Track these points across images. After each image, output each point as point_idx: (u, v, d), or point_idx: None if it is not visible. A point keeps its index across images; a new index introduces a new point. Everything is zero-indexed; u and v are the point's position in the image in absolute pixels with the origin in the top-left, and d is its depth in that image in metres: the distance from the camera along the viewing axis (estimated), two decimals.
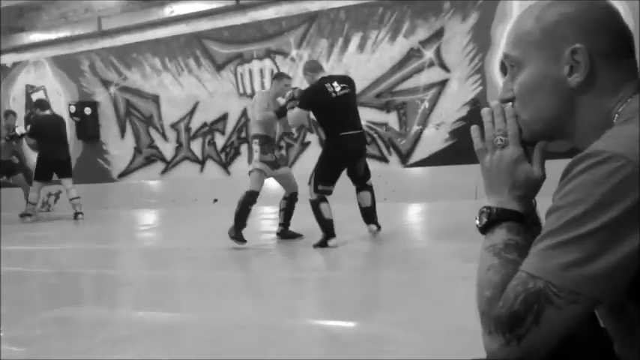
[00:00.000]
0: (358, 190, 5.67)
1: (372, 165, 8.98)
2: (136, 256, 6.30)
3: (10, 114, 10.28)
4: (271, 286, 4.52)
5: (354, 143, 5.56)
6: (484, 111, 1.04)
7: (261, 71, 9.81)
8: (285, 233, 6.02)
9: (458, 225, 5.99)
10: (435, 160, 8.67)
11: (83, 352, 3.05)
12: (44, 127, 9.37)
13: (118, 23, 10.74)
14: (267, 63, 9.75)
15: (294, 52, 9.50)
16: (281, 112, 6.03)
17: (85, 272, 5.58)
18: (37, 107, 9.67)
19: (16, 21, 11.75)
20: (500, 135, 1.01)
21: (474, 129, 1.04)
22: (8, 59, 12.04)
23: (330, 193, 5.55)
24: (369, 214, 5.63)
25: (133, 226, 8.81)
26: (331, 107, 5.49)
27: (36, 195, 9.66)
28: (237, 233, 5.66)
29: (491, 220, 0.99)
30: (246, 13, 9.77)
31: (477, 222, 1.01)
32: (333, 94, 5.51)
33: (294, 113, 5.61)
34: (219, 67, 10.16)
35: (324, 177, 5.53)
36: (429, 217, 7.38)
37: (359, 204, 5.65)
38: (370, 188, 5.67)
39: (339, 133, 5.51)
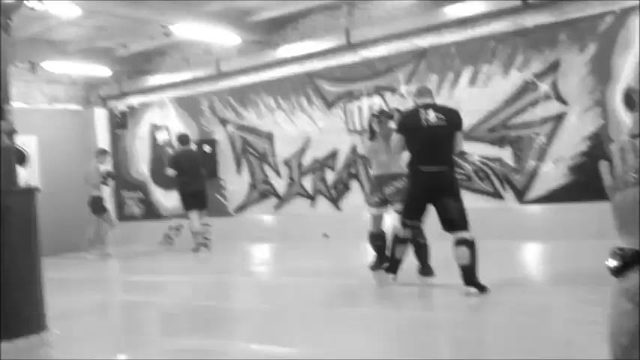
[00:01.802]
0: (455, 244, 4.86)
1: (486, 202, 8.79)
2: (250, 289, 6.47)
3: (105, 152, 10.80)
4: (383, 324, 4.47)
5: (431, 181, 4.97)
6: (614, 146, 0.99)
7: (371, 108, 9.90)
8: (419, 269, 5.78)
9: (581, 266, 5.67)
10: (554, 197, 8.28)
11: None
12: (181, 161, 9.97)
13: (235, 65, 11.27)
14: (377, 99, 9.83)
15: (403, 89, 9.52)
16: (371, 135, 6.30)
17: (202, 304, 5.80)
18: (177, 141, 10.34)
19: (143, 65, 12.64)
20: (633, 172, 0.96)
21: (603, 165, 1.00)
22: (136, 100, 12.94)
23: (415, 227, 5.26)
24: (466, 274, 4.80)
25: (248, 260, 9.06)
26: (418, 136, 5.02)
27: (195, 224, 9.93)
28: (372, 264, 6.21)
29: (626, 263, 0.93)
30: (357, 52, 9.94)
31: (609, 264, 0.95)
32: (424, 122, 4.99)
33: (394, 137, 5.35)
34: (329, 105, 10.37)
35: (405, 211, 5.26)
36: (548, 256, 7.05)
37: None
38: (467, 243, 4.80)
39: (419, 167, 5.02)
